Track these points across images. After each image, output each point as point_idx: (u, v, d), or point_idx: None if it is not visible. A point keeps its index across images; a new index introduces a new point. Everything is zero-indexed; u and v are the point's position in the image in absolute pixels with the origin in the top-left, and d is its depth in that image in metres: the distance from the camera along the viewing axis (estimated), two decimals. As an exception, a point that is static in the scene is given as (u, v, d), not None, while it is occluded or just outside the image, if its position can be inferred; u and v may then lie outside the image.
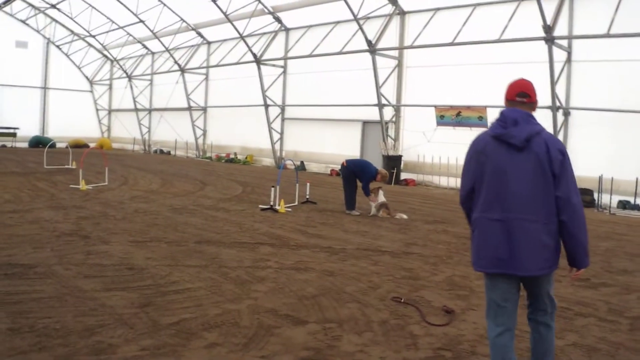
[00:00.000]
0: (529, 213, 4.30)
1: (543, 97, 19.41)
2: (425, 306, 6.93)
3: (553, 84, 19.46)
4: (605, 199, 18.81)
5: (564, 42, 19.89)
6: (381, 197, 15.16)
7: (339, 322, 6.20)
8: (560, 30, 19.40)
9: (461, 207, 4.76)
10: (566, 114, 20.27)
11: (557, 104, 19.72)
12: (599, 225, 14.93)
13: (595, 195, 19.10)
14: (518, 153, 4.33)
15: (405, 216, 14.87)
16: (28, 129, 43.84)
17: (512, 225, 4.32)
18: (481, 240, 4.46)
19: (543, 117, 19.94)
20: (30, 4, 42.53)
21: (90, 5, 38.75)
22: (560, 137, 20.16)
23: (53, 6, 40.57)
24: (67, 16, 41.70)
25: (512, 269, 4.42)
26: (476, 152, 4.54)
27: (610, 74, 19.11)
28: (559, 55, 19.83)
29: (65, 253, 8.98)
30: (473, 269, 4.66)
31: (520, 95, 4.63)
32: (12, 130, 41.99)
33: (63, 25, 45.08)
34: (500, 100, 16.00)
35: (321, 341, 5.67)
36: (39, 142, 42.08)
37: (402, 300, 6.97)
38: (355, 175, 15.17)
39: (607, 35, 17.97)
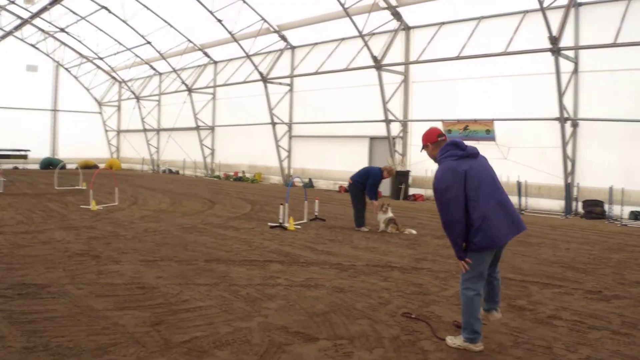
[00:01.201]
0: (502, 191, 6.23)
1: (550, 108, 19.56)
2: (435, 321, 6.93)
3: (560, 95, 19.44)
4: (616, 210, 18.77)
5: (571, 53, 19.87)
6: (389, 213, 15.15)
7: (349, 339, 6.20)
8: (567, 41, 19.39)
9: (456, 239, 5.96)
10: (574, 125, 20.24)
11: (565, 115, 19.68)
12: (610, 237, 14.88)
13: (606, 207, 19.04)
14: (475, 159, 6.12)
15: (414, 231, 14.85)
16: (39, 150, 44.24)
17: (503, 202, 6.11)
18: (489, 226, 5.88)
19: (551, 129, 19.97)
20: (39, 29, 42.91)
21: (98, 28, 39.03)
22: (569, 148, 20.15)
23: (62, 30, 40.92)
24: (76, 39, 42.07)
25: (516, 231, 6.14)
26: (461, 178, 5.89)
27: (618, 84, 19.08)
28: (566, 66, 19.83)
29: (77, 273, 9.03)
30: (482, 252, 5.92)
31: (440, 135, 6.37)
32: (23, 153, 42.23)
33: (72, 49, 45.43)
34: (508, 113, 16.22)
35: (332, 358, 5.67)
36: (49, 164, 42.40)
37: (413, 316, 6.98)
38: (364, 187, 15.14)
39: (614, 45, 17.96)
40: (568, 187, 19.97)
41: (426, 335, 6.40)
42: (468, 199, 5.87)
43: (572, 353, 5.93)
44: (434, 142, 6.31)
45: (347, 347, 5.94)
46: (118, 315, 6.82)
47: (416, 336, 6.36)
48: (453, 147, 6.10)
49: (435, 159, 6.26)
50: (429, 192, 24.88)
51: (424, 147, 6.44)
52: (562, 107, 19.53)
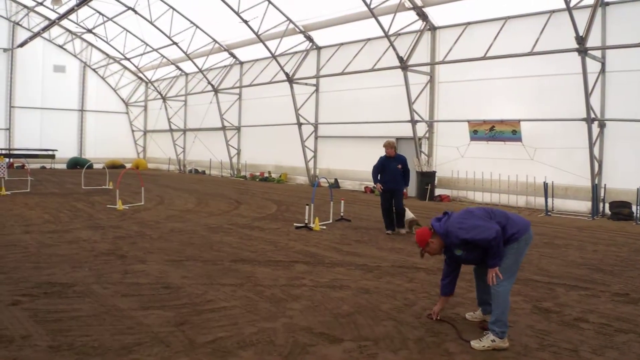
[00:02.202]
0: None
1: (577, 109, 19.39)
2: (461, 323, 6.89)
3: (587, 95, 19.23)
4: (644, 211, 18.53)
5: (598, 53, 19.64)
6: (409, 214, 15.05)
7: (374, 340, 6.18)
8: (593, 40, 19.16)
9: (496, 236, 6.06)
10: (602, 125, 20.02)
11: (592, 115, 19.48)
12: (637, 239, 14.70)
13: (634, 208, 18.79)
14: None
15: None
16: (66, 150, 44.62)
17: None
18: (514, 219, 6.45)
19: (578, 130, 19.79)
20: (67, 30, 43.41)
21: (125, 29, 39.35)
22: (596, 149, 19.93)
23: (89, 31, 41.26)
24: (103, 40, 42.39)
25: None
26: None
27: (646, 84, 18.89)
28: (593, 66, 19.60)
29: (103, 272, 9.10)
30: (521, 236, 6.30)
31: (429, 229, 6.67)
32: (51, 152, 42.68)
33: (99, 49, 45.89)
34: (534, 114, 16.10)
35: (357, 359, 5.66)
36: (76, 164, 42.80)
37: (438, 318, 6.95)
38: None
39: (642, 45, 17.78)
40: (595, 188, 19.75)
41: (451, 337, 6.36)
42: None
43: (598, 356, 5.87)
44: (430, 235, 6.56)
45: (371, 349, 5.92)
46: (143, 315, 6.86)
47: (441, 338, 6.32)
48: (442, 218, 6.62)
49: (442, 248, 6.59)
50: (455, 193, 24.79)
51: (425, 248, 6.64)
52: (589, 107, 19.33)
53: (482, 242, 6.06)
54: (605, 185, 19.86)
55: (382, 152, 14.95)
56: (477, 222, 6.15)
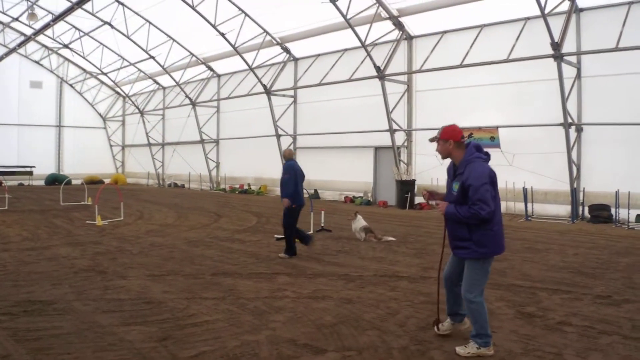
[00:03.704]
0: None
1: (554, 114, 19.54)
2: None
3: (564, 100, 19.41)
4: (622, 213, 18.64)
5: (573, 59, 19.84)
6: (361, 222, 15.06)
7: (358, 350, 6.16)
8: (569, 46, 19.36)
9: (485, 216, 5.93)
10: (579, 130, 20.19)
11: (569, 120, 19.65)
12: (618, 241, 14.83)
13: (613, 211, 18.93)
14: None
15: (392, 238, 14.83)
16: (44, 167, 44.33)
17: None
18: (499, 236, 6.14)
19: (556, 135, 19.92)
20: (43, 45, 43.16)
21: (101, 44, 39.23)
22: (574, 153, 20.10)
23: (65, 46, 41.08)
24: (79, 55, 42.26)
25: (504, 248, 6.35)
26: (494, 180, 6.09)
27: (621, 88, 19.03)
28: (569, 72, 19.77)
29: (83, 289, 9.01)
30: (493, 256, 6.20)
31: (463, 137, 6.34)
32: (28, 169, 42.36)
33: (75, 64, 45.68)
34: (512, 120, 16.19)
35: (341, 369, 5.64)
36: (55, 180, 42.49)
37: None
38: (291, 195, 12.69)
39: (616, 49, 17.96)
40: (574, 192, 19.91)
41: (436, 345, 6.35)
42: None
43: (583, 359, 5.88)
44: (457, 141, 6.26)
45: (356, 359, 5.90)
46: (125, 331, 6.79)
47: (425, 346, 6.31)
48: (478, 150, 6.22)
49: (449, 156, 6.36)
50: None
51: (442, 141, 6.31)
52: (565, 112, 19.50)
53: (472, 198, 5.94)
54: (584, 188, 20.00)
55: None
56: (488, 195, 5.95)
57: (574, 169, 20.06)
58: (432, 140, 6.48)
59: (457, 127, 6.36)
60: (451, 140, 6.24)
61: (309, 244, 13.11)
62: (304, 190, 13.38)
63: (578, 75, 20.13)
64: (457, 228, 6.18)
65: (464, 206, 5.98)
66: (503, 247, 6.27)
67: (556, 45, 18.74)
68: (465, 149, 6.21)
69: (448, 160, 6.46)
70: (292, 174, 12.60)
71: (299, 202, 12.63)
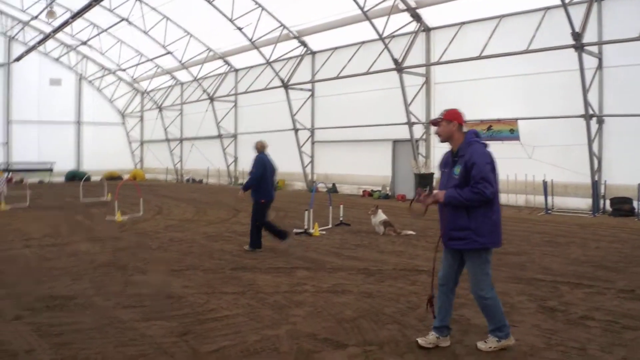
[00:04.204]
0: None
1: (575, 105, 19.30)
2: (465, 324, 6.84)
3: (585, 91, 19.21)
4: (645, 206, 18.47)
5: (594, 49, 19.60)
6: (381, 215, 15.03)
7: (379, 345, 6.14)
8: (590, 36, 19.14)
9: (489, 196, 5.75)
10: (600, 121, 19.99)
11: (590, 112, 19.45)
12: None
13: (635, 204, 18.73)
14: None
15: (412, 232, 14.78)
16: (64, 163, 44.65)
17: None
18: (497, 226, 5.94)
19: (576, 127, 19.73)
20: (62, 43, 43.37)
21: (120, 40, 39.39)
22: (595, 145, 19.90)
23: (84, 43, 41.26)
24: (98, 52, 42.44)
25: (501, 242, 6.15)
26: (494, 166, 5.93)
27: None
28: (590, 62, 19.58)
29: (104, 284, 9.06)
30: (492, 247, 5.98)
31: (465, 122, 6.19)
32: (49, 166, 42.65)
33: (94, 61, 45.85)
34: (532, 112, 15.96)
35: (362, 364, 5.61)
36: (74, 176, 42.69)
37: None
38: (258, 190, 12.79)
39: (638, 39, 17.71)
40: (595, 184, 19.73)
41: (457, 339, 6.30)
42: None
43: (607, 354, 5.81)
44: (460, 124, 6.10)
45: (377, 353, 5.87)
46: (145, 326, 6.81)
47: (447, 340, 6.27)
48: (478, 137, 6.12)
49: (449, 140, 6.14)
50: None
51: (446, 121, 6.11)
52: (586, 103, 19.31)
53: (475, 177, 5.75)
54: (605, 181, 19.82)
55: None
56: (491, 175, 5.81)
57: (595, 161, 19.87)
58: (433, 122, 6.28)
59: (459, 111, 6.20)
60: (455, 122, 6.09)
61: (286, 239, 12.81)
62: (322, 185, 13.31)
63: (599, 66, 19.90)
64: (456, 216, 5.94)
65: (466, 188, 5.79)
66: (501, 241, 6.06)
67: (577, 36, 18.55)
68: (462, 131, 6.10)
69: None
70: (261, 169, 12.68)
71: (268, 197, 12.74)
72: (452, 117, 6.09)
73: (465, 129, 6.04)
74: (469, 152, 5.87)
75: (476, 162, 5.75)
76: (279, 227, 13.13)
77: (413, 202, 6.51)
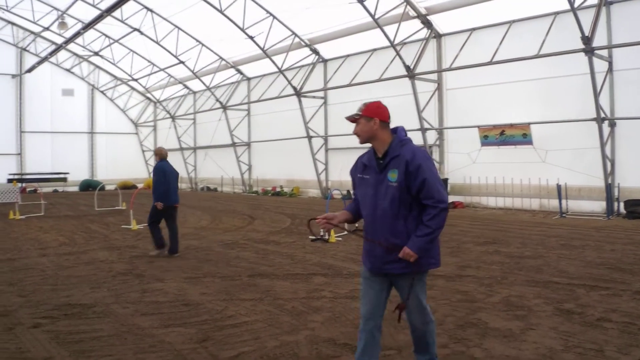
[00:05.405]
0: None
1: (586, 109, 19.28)
2: (482, 328, 6.85)
3: (596, 95, 19.19)
4: (659, 209, 18.42)
5: (604, 52, 19.59)
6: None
7: (397, 349, 6.18)
8: (599, 40, 19.12)
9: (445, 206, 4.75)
10: (612, 124, 19.97)
11: (602, 115, 19.42)
12: (654, 237, 14.66)
13: (649, 207, 18.73)
14: None
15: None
16: (78, 173, 44.95)
17: None
18: (438, 243, 5.02)
19: (589, 130, 19.71)
20: (74, 53, 43.64)
21: (131, 50, 39.57)
22: (608, 148, 19.87)
23: (96, 53, 41.46)
24: (110, 62, 42.64)
25: None
26: None
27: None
28: (600, 66, 19.57)
29: (122, 292, 9.13)
30: (436, 267, 5.09)
31: (390, 118, 5.18)
32: (63, 175, 42.90)
33: (106, 71, 46.10)
34: (544, 116, 16.04)
35: (381, 368, 5.63)
36: (88, 186, 42.98)
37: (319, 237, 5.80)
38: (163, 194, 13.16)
39: (648, 42, 17.73)
40: (609, 187, 19.69)
41: (475, 342, 6.32)
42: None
43: (625, 355, 5.82)
44: (383, 120, 5.04)
45: (395, 358, 5.92)
46: (164, 333, 6.87)
47: (465, 344, 6.30)
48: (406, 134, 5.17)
49: (370, 140, 5.14)
50: (468, 199, 24.71)
51: (365, 118, 5.03)
52: (598, 107, 19.28)
53: (430, 193, 4.68)
54: (619, 184, 19.78)
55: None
56: (443, 186, 4.81)
57: (608, 164, 19.84)
58: (350, 118, 5.20)
59: (383, 105, 5.15)
60: (377, 118, 5.01)
61: (159, 249, 13.16)
62: (337, 191, 13.43)
63: (610, 69, 19.89)
64: (396, 234, 4.81)
65: (421, 226, 4.71)
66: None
67: (587, 40, 18.54)
68: (393, 133, 5.10)
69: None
70: (161, 176, 12.99)
71: (169, 202, 13.06)
72: (373, 112, 5.03)
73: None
74: (407, 152, 4.86)
75: (427, 178, 4.68)
76: (163, 237, 13.34)
77: (317, 221, 5.29)
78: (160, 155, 13.52)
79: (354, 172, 5.45)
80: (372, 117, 4.99)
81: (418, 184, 4.68)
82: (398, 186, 4.74)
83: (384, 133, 5.03)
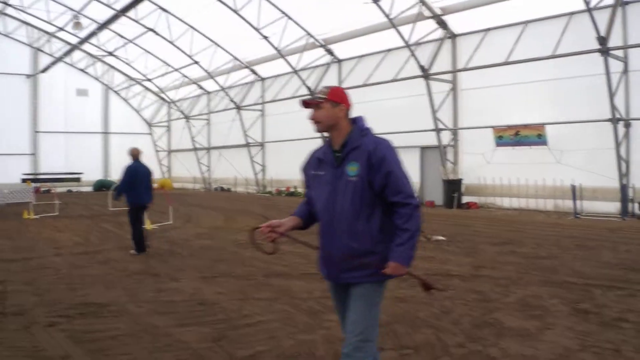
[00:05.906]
0: None
1: (602, 110, 19.18)
2: (499, 328, 6.83)
3: (611, 95, 19.10)
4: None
5: (620, 53, 19.50)
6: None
7: (415, 348, 6.16)
8: (615, 40, 19.04)
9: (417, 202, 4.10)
10: (627, 125, 19.87)
11: (617, 115, 19.33)
12: (670, 239, 14.57)
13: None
14: None
15: (443, 237, 14.74)
16: (92, 173, 45.02)
17: None
18: None
19: (604, 131, 19.62)
20: (88, 53, 43.78)
21: (146, 51, 39.64)
22: (623, 149, 19.78)
23: (110, 53, 41.61)
24: (124, 62, 42.79)
25: None
26: None
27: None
28: (616, 66, 19.48)
29: (137, 291, 9.15)
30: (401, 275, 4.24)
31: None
32: (76, 175, 43.08)
33: (120, 72, 46.18)
34: (559, 116, 15.94)
35: (398, 367, 5.62)
36: (102, 186, 43.03)
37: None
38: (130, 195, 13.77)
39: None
40: (624, 188, 19.59)
41: (492, 342, 6.30)
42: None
43: (642, 358, 5.80)
44: (348, 108, 4.42)
45: (413, 357, 5.90)
46: (180, 332, 6.88)
47: (482, 343, 6.27)
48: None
49: (331, 129, 4.41)
50: (483, 199, 24.63)
51: (331, 103, 4.31)
52: (613, 107, 19.19)
53: (398, 187, 4.05)
54: (634, 185, 19.67)
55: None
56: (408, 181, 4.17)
57: (623, 165, 19.74)
58: (309, 102, 4.50)
59: (346, 91, 4.50)
60: (343, 105, 4.37)
61: (139, 252, 13.27)
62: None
63: (625, 70, 19.80)
64: (356, 237, 4.17)
65: (398, 231, 4.07)
66: None
67: (602, 40, 18.47)
68: (353, 123, 4.42)
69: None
70: (132, 176, 13.59)
71: (139, 202, 13.54)
72: (340, 97, 4.37)
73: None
74: (369, 143, 4.21)
75: (393, 171, 4.08)
76: (146, 240, 13.58)
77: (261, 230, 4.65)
78: (134, 156, 14.12)
79: (306, 169, 4.72)
80: (339, 102, 4.32)
81: (382, 178, 4.04)
82: (359, 181, 4.08)
83: (346, 122, 4.35)
